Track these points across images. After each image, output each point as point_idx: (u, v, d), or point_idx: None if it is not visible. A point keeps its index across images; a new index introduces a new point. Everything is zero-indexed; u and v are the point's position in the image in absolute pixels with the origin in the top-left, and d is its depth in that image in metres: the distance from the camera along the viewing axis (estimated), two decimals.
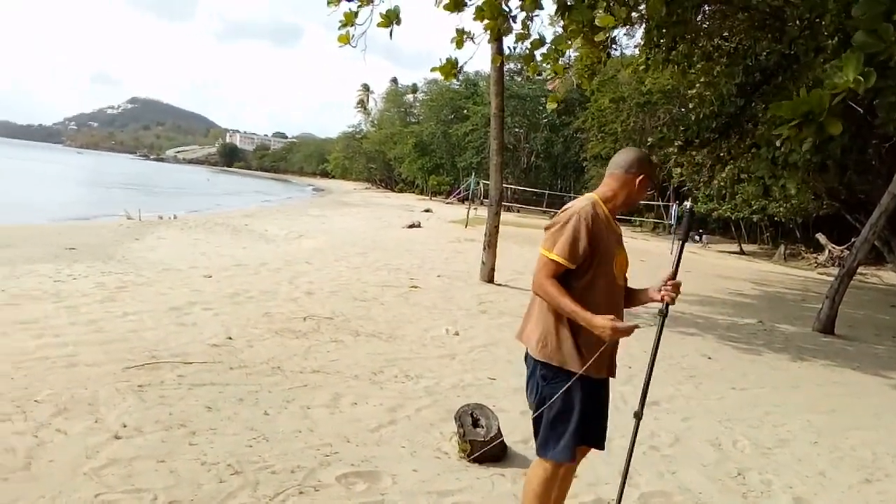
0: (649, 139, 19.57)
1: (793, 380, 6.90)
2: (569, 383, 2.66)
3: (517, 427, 4.37)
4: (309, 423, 4.10)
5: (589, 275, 2.67)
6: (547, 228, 2.72)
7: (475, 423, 3.89)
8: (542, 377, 2.75)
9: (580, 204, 2.74)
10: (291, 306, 7.57)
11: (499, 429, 3.88)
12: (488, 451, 3.81)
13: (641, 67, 13.48)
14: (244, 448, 3.64)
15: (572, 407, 2.68)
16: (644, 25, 11.66)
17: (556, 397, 2.67)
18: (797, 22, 11.63)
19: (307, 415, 4.24)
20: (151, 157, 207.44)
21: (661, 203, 35.73)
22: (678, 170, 20.44)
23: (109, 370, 4.64)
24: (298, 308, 7.49)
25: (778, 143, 10.04)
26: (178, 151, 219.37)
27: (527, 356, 2.88)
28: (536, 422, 2.79)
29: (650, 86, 27.26)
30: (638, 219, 40.11)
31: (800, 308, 12.86)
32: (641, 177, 2.76)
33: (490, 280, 11.10)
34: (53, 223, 17.52)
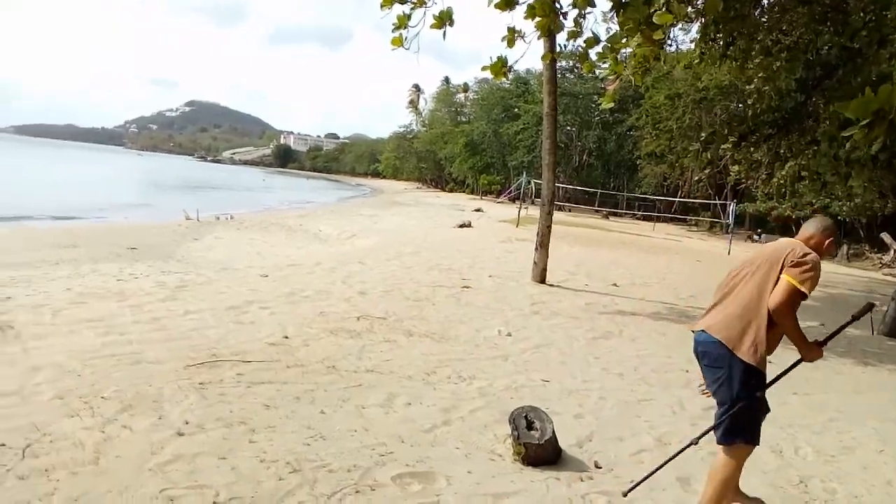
0: (702, 135, 19.13)
1: (857, 385, 6.67)
2: (765, 384, 3.30)
3: (571, 430, 4.34)
4: (364, 423, 4.15)
5: None
6: (796, 265, 3.10)
7: (529, 426, 3.87)
8: (745, 377, 3.18)
9: (809, 249, 3.23)
10: (345, 306, 7.66)
11: (553, 432, 3.86)
12: (543, 454, 3.79)
13: (697, 63, 13.19)
14: (302, 446, 3.71)
15: (763, 401, 3.29)
16: (701, 21, 11.41)
17: (758, 395, 3.23)
18: (860, 14, 11.22)
19: (362, 414, 4.30)
20: (209, 158, 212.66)
21: (717, 202, 34.91)
22: (735, 167, 19.95)
23: (172, 367, 4.78)
24: (352, 307, 7.58)
25: (847, 145, 9.71)
26: (234, 153, 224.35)
27: (719, 355, 3.25)
28: (725, 414, 3.26)
29: (706, 81, 26.64)
30: (694, 218, 39.30)
31: None
32: (830, 239, 3.33)
33: (542, 280, 11.03)
34: (115, 223, 18.13)
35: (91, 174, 52.28)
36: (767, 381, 3.33)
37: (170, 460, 3.35)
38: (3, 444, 3.31)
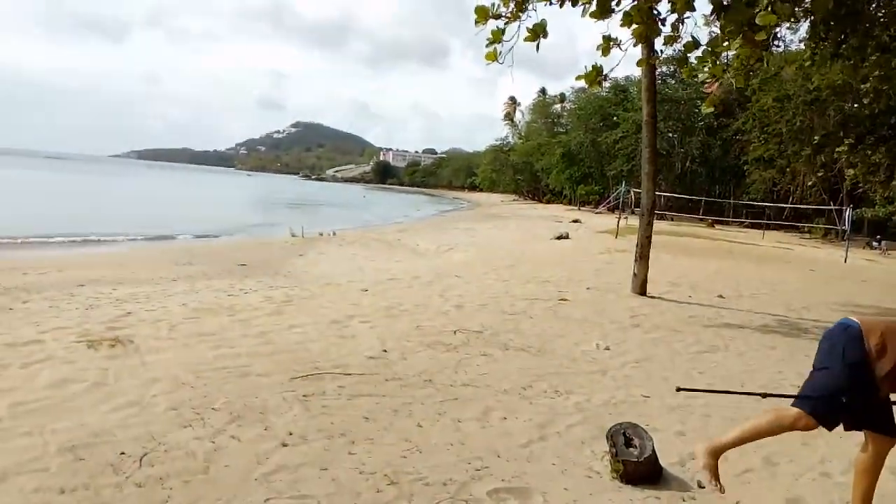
0: (816, 138, 18.21)
1: None
2: None
3: (672, 448, 4.20)
4: (460, 436, 4.18)
5: None
6: None
7: (628, 443, 3.78)
8: None
9: None
10: (442, 319, 7.75)
11: (653, 449, 3.75)
12: (642, 472, 3.69)
13: (807, 63, 12.55)
14: (399, 459, 3.78)
15: None
16: (809, 20, 10.87)
17: None
18: None
19: (458, 428, 4.33)
20: (313, 177, 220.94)
21: (832, 207, 32.93)
22: (851, 171, 18.80)
23: (277, 380, 4.98)
24: (449, 321, 7.65)
25: None
26: (337, 171, 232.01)
27: None
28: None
29: (818, 82, 25.29)
30: (806, 225, 37.24)
31: None
32: None
33: (642, 292, 10.75)
34: (227, 241, 19.12)
35: (204, 195, 55.38)
36: None
37: (274, 470, 3.49)
38: (123, 453, 3.54)
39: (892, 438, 3.16)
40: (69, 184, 53.96)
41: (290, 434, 3.98)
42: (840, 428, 4.97)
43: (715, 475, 3.25)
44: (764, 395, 3.55)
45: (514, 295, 9.92)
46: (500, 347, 6.60)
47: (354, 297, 8.99)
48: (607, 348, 6.90)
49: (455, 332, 7.06)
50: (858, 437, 4.75)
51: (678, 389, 3.46)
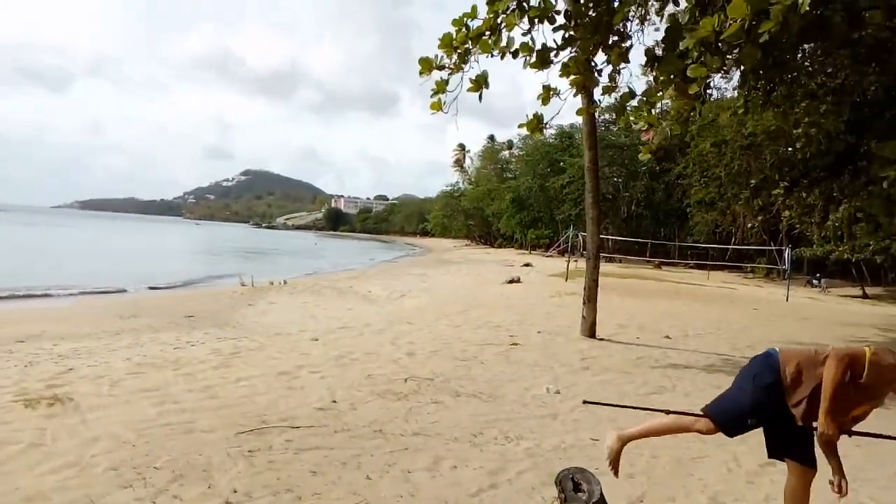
0: (752, 181, 18.92)
1: None
2: None
3: (622, 491, 4.24)
4: (410, 488, 4.14)
5: None
6: None
7: (576, 488, 3.79)
8: None
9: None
10: (393, 367, 7.70)
11: (601, 493, 3.76)
12: None
13: (741, 111, 13.14)
14: None
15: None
16: (740, 69, 11.41)
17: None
18: None
19: (408, 478, 4.29)
20: (263, 225, 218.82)
21: (772, 247, 34.08)
22: (787, 212, 19.53)
23: (223, 435, 4.87)
24: (400, 369, 7.61)
25: (885, 185, 9.46)
26: (288, 218, 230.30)
27: None
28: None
29: (752, 127, 26.35)
30: (749, 265, 38.37)
31: None
32: None
33: (592, 335, 10.89)
34: (174, 293, 18.70)
35: (150, 245, 54.24)
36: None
37: None
38: None
39: (810, 469, 3.33)
40: (9, 236, 52.26)
41: (235, 492, 3.88)
42: (782, 464, 5.10)
43: (616, 461, 3.72)
44: (667, 412, 3.85)
45: (466, 340, 9.94)
46: (452, 394, 6.58)
47: (305, 346, 8.88)
48: (557, 392, 6.95)
49: (406, 380, 7.03)
50: None
51: (584, 402, 3.95)
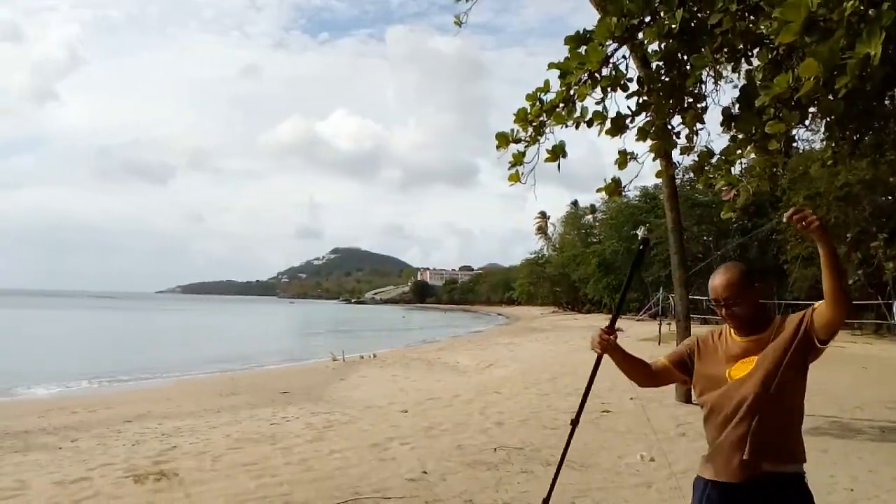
0: (849, 234, 18.16)
1: None
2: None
3: None
4: None
5: None
6: None
7: None
8: None
9: None
10: (483, 437, 7.70)
11: None
12: None
13: (829, 162, 12.75)
14: None
15: None
16: (824, 120, 11.18)
17: None
18: None
19: None
20: (353, 300, 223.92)
21: (880, 301, 32.10)
22: (889, 263, 18.52)
23: None
24: (489, 439, 7.59)
25: None
26: (376, 293, 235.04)
27: None
28: None
29: (846, 177, 25.37)
30: (857, 321, 36.18)
31: None
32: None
33: (687, 400, 10.52)
34: (270, 369, 19.33)
35: (247, 325, 56.35)
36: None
37: None
38: None
39: None
40: (117, 321, 55.55)
41: None
42: None
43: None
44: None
45: (556, 408, 9.81)
46: (542, 463, 6.51)
47: (395, 418, 9.00)
48: (652, 459, 6.75)
49: (495, 450, 7.01)
50: None
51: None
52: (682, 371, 2.88)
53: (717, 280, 2.68)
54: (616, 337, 2.96)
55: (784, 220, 2.40)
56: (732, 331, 2.73)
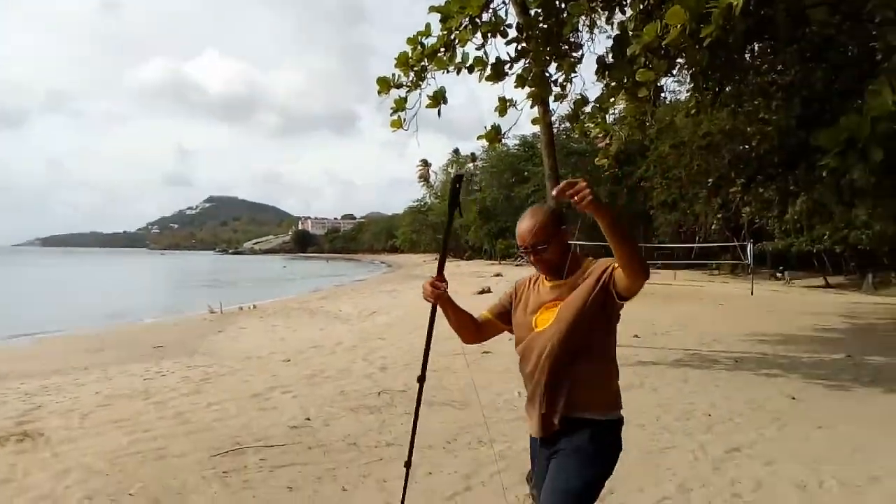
0: (711, 180, 19.34)
1: (884, 414, 6.55)
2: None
3: None
4: (386, 496, 4.20)
5: None
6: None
7: None
8: None
9: None
10: (366, 383, 7.75)
11: None
12: None
13: (693, 112, 13.48)
14: None
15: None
16: (690, 71, 11.74)
17: None
18: (845, 50, 11.49)
19: (384, 487, 4.35)
20: (230, 251, 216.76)
21: (736, 243, 34.76)
22: (746, 208, 20.01)
23: (196, 459, 4.88)
24: (373, 384, 7.66)
25: (824, 173, 9.77)
26: (255, 243, 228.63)
27: None
28: None
29: (708, 127, 26.94)
30: (715, 262, 39.06)
31: (892, 338, 12.21)
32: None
33: None
34: (142, 324, 18.47)
35: (114, 278, 53.39)
36: None
37: None
38: None
39: None
40: None
41: None
42: (749, 450, 5.26)
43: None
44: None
45: (438, 352, 9.92)
46: (425, 404, 6.62)
47: (276, 368, 8.88)
48: None
49: (379, 394, 7.08)
50: (767, 457, 5.04)
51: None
52: (505, 322, 2.77)
53: (524, 225, 2.53)
54: (446, 286, 2.71)
55: (553, 195, 2.21)
56: (544, 276, 2.62)
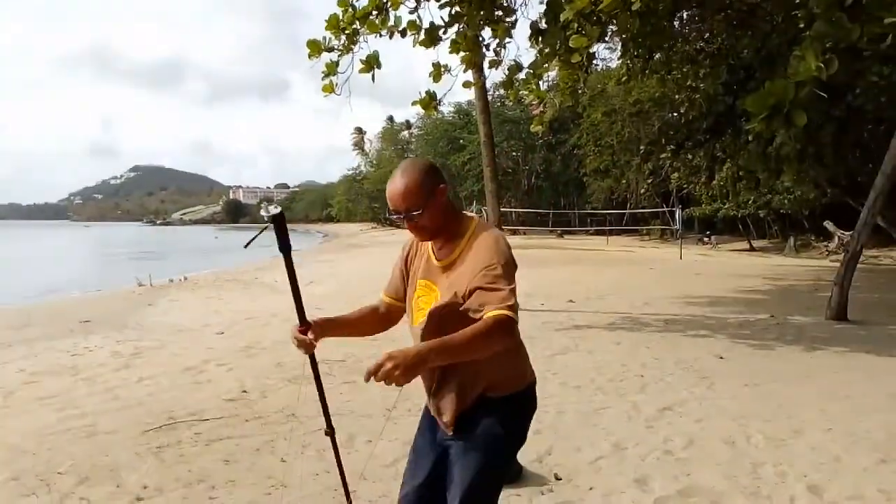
0: (641, 147, 19.71)
1: (806, 370, 6.90)
2: None
3: (530, 446, 4.40)
4: (325, 465, 4.17)
5: None
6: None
7: None
8: None
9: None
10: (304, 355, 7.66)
11: None
12: None
13: (624, 79, 13.68)
14: (264, 496, 3.73)
15: None
16: (621, 39, 11.87)
17: None
18: (771, 17, 11.79)
19: (323, 457, 4.32)
20: (158, 221, 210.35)
21: (665, 209, 35.75)
22: (675, 174, 20.62)
23: (128, 435, 4.74)
24: None
25: (750, 138, 10.11)
26: (184, 213, 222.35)
27: None
28: None
29: (638, 94, 27.45)
30: (645, 228, 40.14)
31: (812, 298, 12.83)
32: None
33: None
34: (67, 298, 17.75)
35: (36, 252, 51.10)
36: None
37: None
38: None
39: None
40: None
41: (145, 488, 3.81)
42: (681, 408, 5.43)
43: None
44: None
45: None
46: (364, 374, 6.62)
47: (210, 341, 8.69)
48: None
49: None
50: (697, 414, 5.23)
51: None
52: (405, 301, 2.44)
53: (394, 186, 2.21)
54: (315, 336, 2.35)
55: (365, 381, 1.95)
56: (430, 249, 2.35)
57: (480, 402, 2.23)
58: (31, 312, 13.94)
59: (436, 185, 2.21)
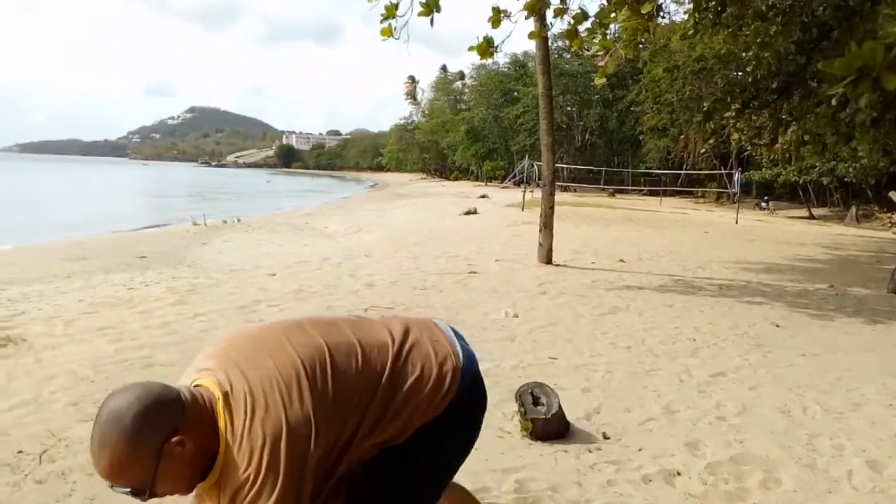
0: (704, 106, 19.03)
1: (866, 343, 6.67)
2: None
3: (578, 404, 4.38)
4: None
5: None
6: None
7: (535, 402, 3.92)
8: None
9: None
10: (353, 299, 7.73)
11: (560, 406, 3.90)
12: (550, 429, 3.84)
13: (690, 33, 13.11)
14: None
15: None
16: None
17: None
18: None
19: None
20: (213, 163, 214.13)
21: (723, 172, 34.74)
22: (736, 135, 19.87)
23: (184, 368, 4.85)
24: (360, 300, 7.64)
25: (833, 102, 9.60)
26: (238, 156, 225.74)
27: None
28: None
29: (702, 51, 26.40)
30: (700, 190, 39.15)
31: (874, 270, 12.37)
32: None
33: (548, 261, 11.05)
34: (125, 233, 18.27)
35: (97, 188, 52.63)
36: None
37: None
38: (21, 451, 3.39)
39: None
40: None
41: None
42: (735, 374, 5.31)
43: None
44: None
45: (425, 270, 9.99)
46: None
47: (262, 282, 8.83)
48: (516, 315, 7.08)
49: (366, 310, 7.06)
50: (751, 382, 5.11)
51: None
52: None
53: (96, 464, 1.50)
54: None
55: None
56: None
57: None
58: (89, 245, 14.39)
59: (160, 440, 1.46)
